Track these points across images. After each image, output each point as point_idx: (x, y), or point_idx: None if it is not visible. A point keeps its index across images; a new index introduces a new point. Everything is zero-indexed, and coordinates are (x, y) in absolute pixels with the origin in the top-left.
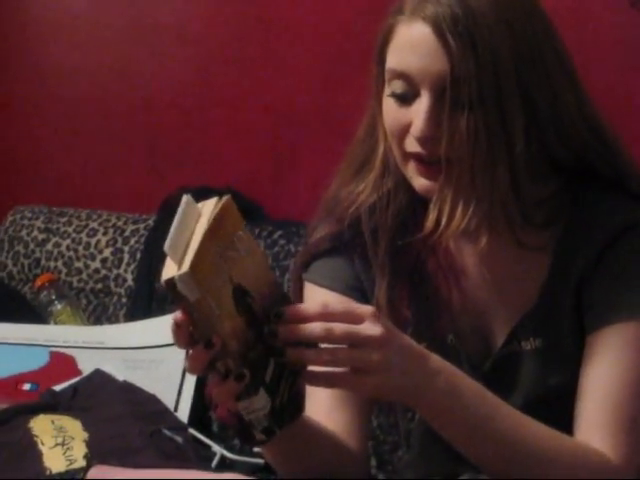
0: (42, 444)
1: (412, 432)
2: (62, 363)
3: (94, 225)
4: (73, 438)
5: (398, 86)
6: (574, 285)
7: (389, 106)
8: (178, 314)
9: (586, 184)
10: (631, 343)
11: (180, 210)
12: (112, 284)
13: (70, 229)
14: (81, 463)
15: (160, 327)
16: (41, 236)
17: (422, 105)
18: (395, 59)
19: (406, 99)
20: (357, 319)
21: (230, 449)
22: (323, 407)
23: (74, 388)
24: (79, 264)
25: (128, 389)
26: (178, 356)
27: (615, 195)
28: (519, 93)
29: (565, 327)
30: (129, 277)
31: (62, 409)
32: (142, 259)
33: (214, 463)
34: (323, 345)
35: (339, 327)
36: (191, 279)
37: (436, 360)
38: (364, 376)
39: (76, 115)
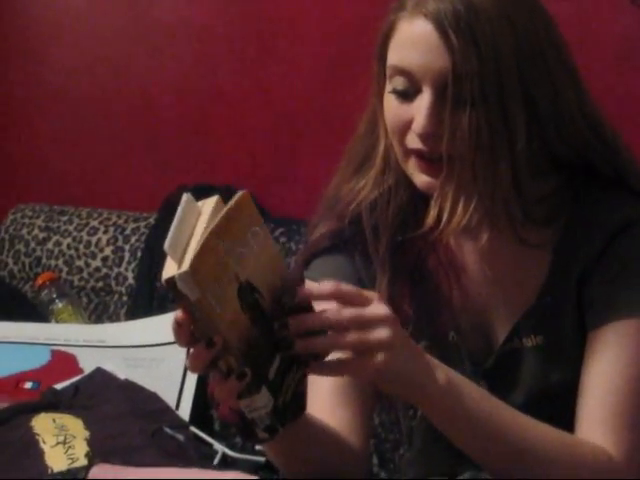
0: (44, 443)
1: (414, 430)
2: (63, 362)
3: (95, 223)
4: (74, 437)
5: (399, 83)
6: (575, 282)
7: (390, 103)
8: (179, 313)
9: (586, 181)
10: (632, 340)
11: (180, 209)
12: (113, 282)
13: (71, 227)
14: (83, 462)
15: (161, 325)
16: (42, 235)
17: (424, 102)
18: (396, 56)
19: (407, 96)
20: (365, 300)
21: (232, 447)
22: (325, 404)
23: (75, 387)
24: (80, 262)
25: (129, 387)
26: (179, 354)
27: (615, 192)
28: (520, 90)
29: (566, 324)
30: (130, 275)
31: (63, 408)
32: (143, 257)
33: (215, 461)
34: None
35: (347, 311)
36: (191, 278)
37: (432, 358)
38: (370, 357)
39: (77, 114)
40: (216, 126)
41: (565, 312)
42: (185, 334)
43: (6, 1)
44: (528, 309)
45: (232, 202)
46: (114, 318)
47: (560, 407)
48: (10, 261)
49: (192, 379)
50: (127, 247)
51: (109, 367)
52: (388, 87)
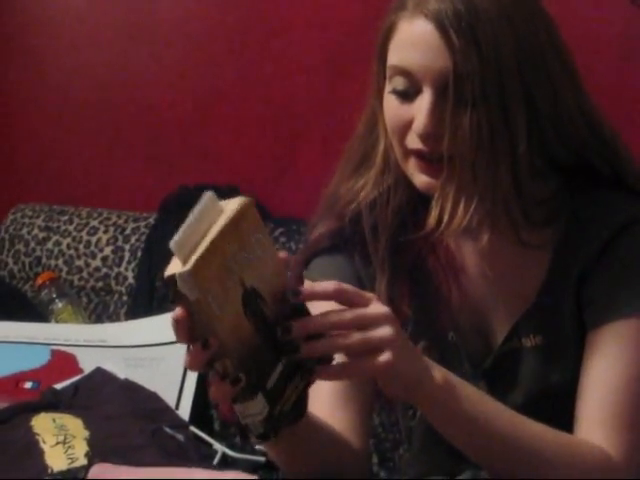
0: (43, 442)
1: (413, 430)
2: (63, 361)
3: (95, 223)
4: (74, 436)
5: (400, 83)
6: (574, 282)
7: (390, 103)
8: (177, 311)
9: (586, 182)
10: (631, 340)
11: (198, 206)
12: (113, 282)
13: (71, 227)
14: (82, 461)
15: (161, 325)
16: (42, 234)
17: (424, 102)
18: (397, 56)
19: (408, 96)
20: (365, 300)
21: (231, 447)
22: (325, 404)
23: (75, 386)
24: (80, 262)
25: (129, 387)
26: (179, 354)
27: (614, 192)
28: (521, 90)
29: (565, 324)
30: (130, 275)
31: (63, 407)
32: (143, 257)
33: (215, 461)
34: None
35: (349, 311)
36: (192, 278)
37: (428, 359)
38: (374, 357)
39: (77, 113)
40: (216, 126)
41: (564, 312)
42: (183, 331)
43: (6, 2)
44: (527, 309)
45: (237, 207)
46: (114, 318)
47: (559, 407)
48: (10, 261)
49: (192, 379)
50: (127, 247)
51: (109, 367)
52: (388, 87)
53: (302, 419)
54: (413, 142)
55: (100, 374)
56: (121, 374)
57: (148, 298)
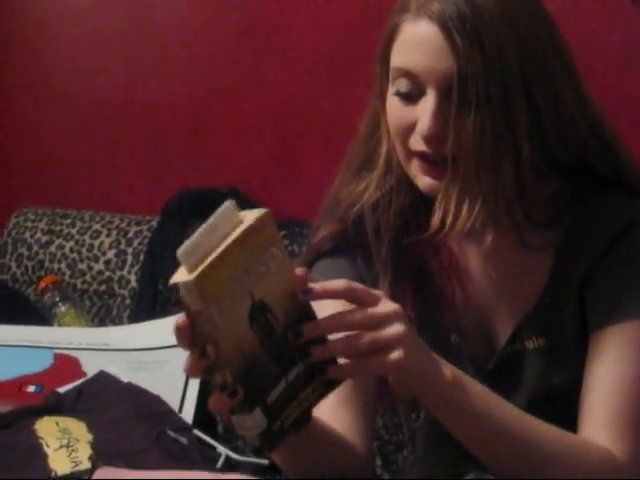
0: (47, 446)
1: (417, 432)
2: (66, 365)
3: (97, 227)
4: (78, 440)
5: (403, 85)
6: (577, 284)
7: (394, 105)
8: (180, 318)
9: (587, 184)
10: (634, 341)
11: (215, 215)
12: (116, 286)
13: (73, 231)
14: (86, 465)
15: (164, 328)
16: (44, 238)
17: (428, 104)
18: (400, 58)
19: (411, 98)
20: (374, 299)
21: (235, 450)
22: (328, 406)
23: (78, 390)
24: (83, 266)
25: (132, 390)
26: (182, 357)
27: (616, 194)
28: (523, 91)
29: (568, 326)
30: (133, 278)
31: (67, 411)
32: (145, 260)
33: (219, 464)
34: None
35: (359, 312)
36: (195, 288)
37: (437, 355)
38: (386, 354)
39: (79, 117)
40: (217, 128)
41: (567, 314)
42: (184, 338)
43: (7, 5)
44: (530, 311)
45: (254, 218)
46: (117, 321)
47: (562, 409)
48: (13, 264)
49: (195, 382)
50: (130, 250)
51: (112, 370)
52: (391, 89)
53: (306, 425)
54: (416, 144)
55: (103, 377)
56: (124, 377)
57: (151, 301)
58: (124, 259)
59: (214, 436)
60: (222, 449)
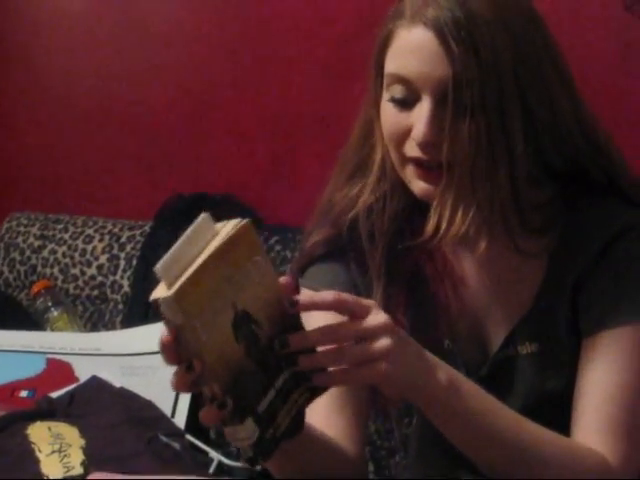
0: (39, 451)
1: (409, 437)
2: (59, 370)
3: (90, 232)
4: (70, 445)
5: (398, 91)
6: (570, 289)
7: (388, 111)
8: (164, 334)
9: (581, 190)
10: (626, 346)
11: (191, 228)
12: (108, 291)
13: (66, 236)
14: (78, 470)
15: (157, 333)
16: (37, 243)
17: (423, 110)
18: (395, 64)
19: (406, 104)
20: (364, 310)
21: (227, 455)
22: (320, 412)
23: (71, 395)
24: (75, 271)
25: (125, 395)
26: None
27: (609, 200)
28: (518, 97)
29: (561, 331)
30: (125, 283)
31: (59, 416)
32: (138, 265)
33: (211, 469)
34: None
35: (347, 325)
36: (175, 304)
37: (433, 357)
38: (374, 366)
39: (72, 121)
40: (212, 134)
41: (560, 319)
42: (169, 354)
43: (1, 9)
44: (523, 317)
45: (232, 229)
46: (109, 326)
47: (555, 414)
48: (5, 269)
49: None
50: (122, 255)
51: (105, 375)
52: (386, 95)
53: (300, 433)
54: (411, 150)
55: (96, 382)
56: (117, 382)
57: (144, 306)
58: (117, 264)
59: (206, 441)
60: (214, 454)
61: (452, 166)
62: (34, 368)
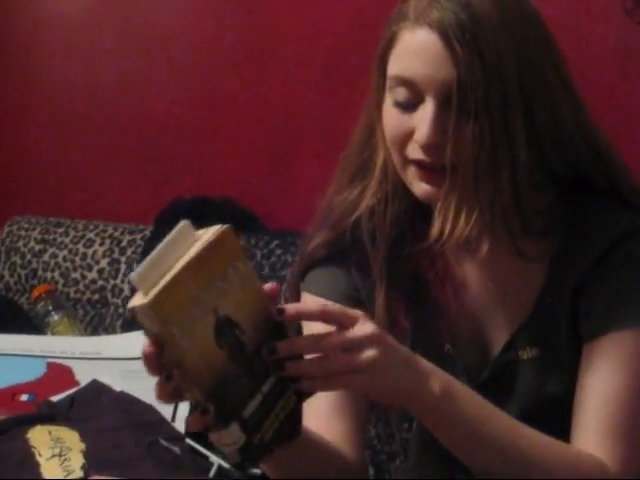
0: (39, 455)
1: (409, 442)
2: (59, 374)
3: (91, 236)
4: (70, 449)
5: (401, 93)
6: (570, 294)
7: (391, 113)
8: (146, 344)
9: (581, 194)
10: (627, 351)
11: (169, 236)
12: (109, 295)
13: (67, 240)
14: (78, 474)
15: None
16: (38, 247)
17: (427, 112)
18: (399, 65)
19: (409, 106)
20: (351, 320)
21: (228, 460)
22: (320, 417)
23: (71, 399)
24: (76, 275)
25: (125, 399)
26: None
27: (610, 204)
28: (521, 100)
29: (562, 336)
30: (126, 287)
31: (59, 420)
32: None
33: (212, 473)
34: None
35: (334, 335)
36: (152, 312)
37: (426, 364)
38: (357, 375)
39: (73, 125)
40: (212, 138)
41: (561, 323)
42: (150, 364)
43: (3, 12)
44: (524, 321)
45: (213, 235)
46: (110, 330)
47: (555, 419)
48: (6, 273)
49: None
50: (123, 259)
51: (105, 379)
52: (389, 98)
53: (297, 437)
54: (413, 152)
55: (96, 386)
56: (117, 386)
57: None
58: (117, 268)
59: (206, 445)
60: (215, 458)
61: (455, 168)
62: (34, 372)
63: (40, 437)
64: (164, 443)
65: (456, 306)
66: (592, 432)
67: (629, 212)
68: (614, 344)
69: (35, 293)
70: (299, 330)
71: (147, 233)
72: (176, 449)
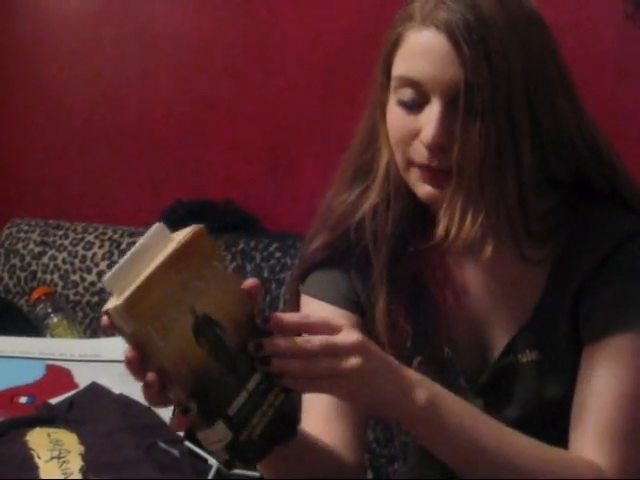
0: (38, 458)
1: (408, 445)
2: (58, 376)
3: (90, 238)
4: (69, 451)
5: (407, 93)
6: (571, 298)
7: (395, 114)
8: (127, 349)
9: (583, 198)
10: (627, 355)
11: (143, 238)
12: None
13: (66, 242)
14: (77, 476)
15: None
16: (37, 249)
17: (433, 113)
18: (405, 66)
19: (414, 107)
20: (334, 329)
21: None
22: (319, 419)
23: (70, 401)
24: (75, 277)
25: (124, 402)
26: None
27: (611, 208)
28: (526, 102)
29: (561, 339)
30: None
31: (58, 422)
32: None
33: (210, 476)
34: None
35: (317, 339)
36: (125, 313)
37: (413, 374)
38: (339, 381)
39: (73, 128)
40: (213, 140)
41: (561, 327)
42: (133, 370)
43: (3, 19)
44: (524, 325)
45: (186, 235)
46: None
47: (554, 422)
48: (5, 275)
49: None
50: None
51: (104, 382)
52: (393, 98)
53: (294, 438)
54: (417, 155)
55: (95, 389)
56: (116, 389)
57: None
58: None
59: (205, 448)
60: (213, 461)
61: (461, 169)
62: (34, 374)
63: (39, 439)
64: (163, 446)
65: (456, 309)
66: (590, 436)
67: (631, 216)
68: (614, 348)
69: (34, 295)
70: None
71: None
72: (175, 452)
